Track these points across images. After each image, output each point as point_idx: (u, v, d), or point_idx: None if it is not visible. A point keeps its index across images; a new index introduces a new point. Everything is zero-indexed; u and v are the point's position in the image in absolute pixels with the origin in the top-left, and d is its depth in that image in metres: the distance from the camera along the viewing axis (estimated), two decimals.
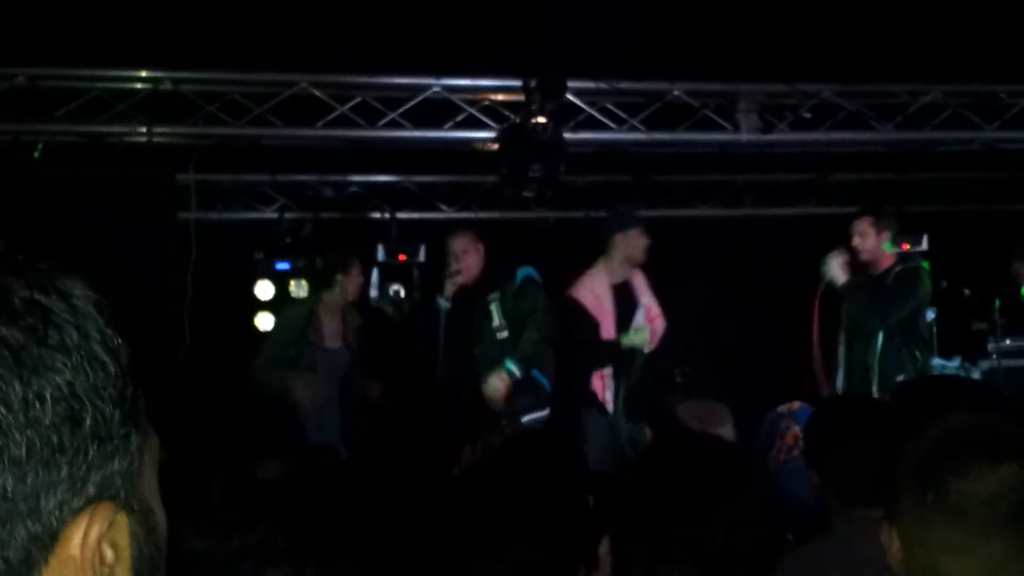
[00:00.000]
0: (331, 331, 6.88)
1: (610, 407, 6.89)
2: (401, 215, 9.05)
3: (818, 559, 2.80)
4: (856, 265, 6.80)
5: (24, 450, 0.76)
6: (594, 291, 7.05)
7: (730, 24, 6.40)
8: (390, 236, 8.74)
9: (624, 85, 7.34)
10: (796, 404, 5.33)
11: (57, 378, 0.78)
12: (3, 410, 0.76)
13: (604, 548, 1.96)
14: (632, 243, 7.06)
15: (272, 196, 9.14)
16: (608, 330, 7.00)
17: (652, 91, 7.41)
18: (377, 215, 9.11)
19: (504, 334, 6.60)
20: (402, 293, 8.63)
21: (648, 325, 7.08)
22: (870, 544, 2.10)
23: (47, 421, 0.77)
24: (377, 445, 6.56)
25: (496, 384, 6.39)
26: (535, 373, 6.63)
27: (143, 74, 6.87)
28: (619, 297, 7.08)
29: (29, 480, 0.77)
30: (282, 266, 8.59)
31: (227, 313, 8.18)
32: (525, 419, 6.45)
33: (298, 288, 8.41)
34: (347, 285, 6.89)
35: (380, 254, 8.60)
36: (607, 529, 1.99)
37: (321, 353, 6.80)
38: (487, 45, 6.64)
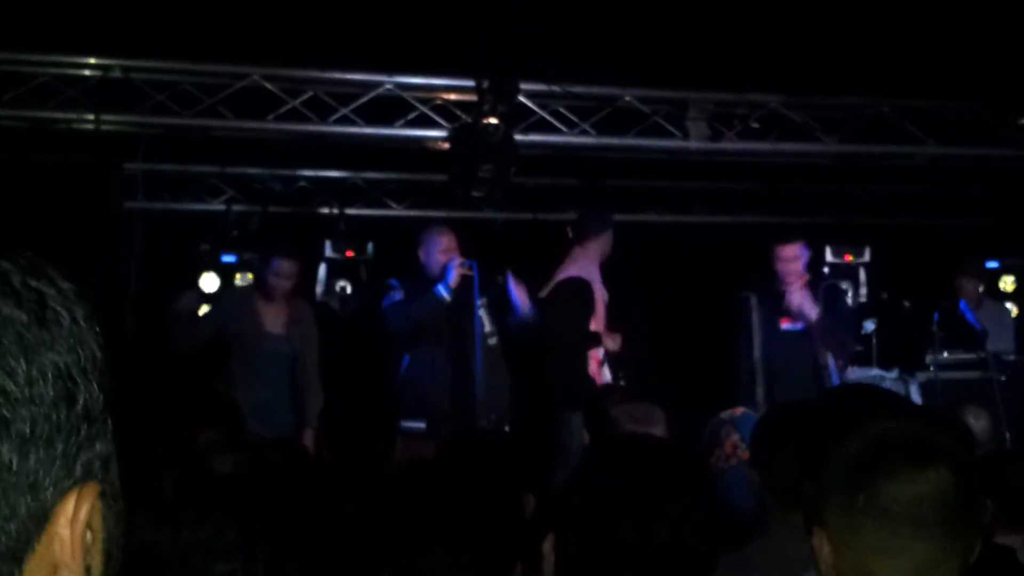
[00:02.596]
0: (271, 317, 6.84)
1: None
2: (350, 211, 9.03)
3: (752, 563, 2.85)
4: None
5: (28, 426, 0.78)
6: (591, 277, 7.29)
7: (682, 33, 6.46)
8: (338, 232, 8.72)
9: (576, 89, 7.37)
10: (739, 410, 5.37)
11: (56, 358, 0.81)
12: (11, 385, 0.78)
13: (548, 545, 1.99)
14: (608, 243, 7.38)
15: (220, 188, 9.08)
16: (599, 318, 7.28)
17: (604, 96, 7.45)
18: (325, 210, 9.09)
19: (494, 340, 6.80)
20: (348, 289, 8.61)
21: None
22: (807, 548, 2.14)
23: (49, 399, 0.80)
24: (329, 437, 6.57)
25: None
26: None
27: (92, 61, 6.78)
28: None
29: (31, 457, 0.79)
30: (228, 259, 8.52)
31: (171, 304, 8.11)
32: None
33: (243, 281, 8.35)
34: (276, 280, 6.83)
35: (328, 250, 8.58)
36: (552, 526, 2.02)
37: (260, 338, 6.76)
38: (441, 44, 6.64)
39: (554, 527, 2.03)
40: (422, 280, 6.70)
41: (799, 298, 7.11)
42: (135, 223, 7.09)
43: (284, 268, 6.78)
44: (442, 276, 6.62)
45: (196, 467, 1.63)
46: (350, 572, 2.36)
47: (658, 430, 4.42)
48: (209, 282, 8.39)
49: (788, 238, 7.33)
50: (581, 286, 7.22)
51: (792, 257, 7.15)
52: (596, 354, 7.20)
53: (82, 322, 0.85)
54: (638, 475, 2.01)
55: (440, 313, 6.62)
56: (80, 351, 0.83)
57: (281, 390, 6.73)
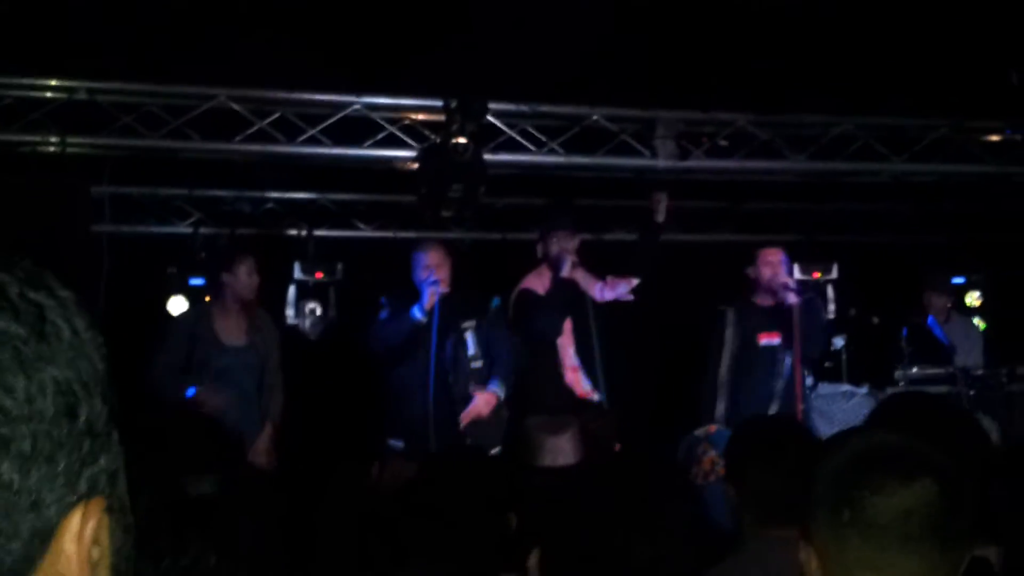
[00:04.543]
0: (229, 328, 6.71)
1: (595, 396, 7.01)
2: (318, 233, 9.00)
3: None
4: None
5: (29, 444, 0.77)
6: (541, 284, 7.16)
7: (650, 52, 6.49)
8: (307, 254, 8.69)
9: (544, 108, 7.38)
10: (713, 428, 5.39)
11: (56, 372, 0.79)
12: (11, 403, 0.76)
13: (533, 560, 1.98)
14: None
15: (187, 211, 9.03)
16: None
17: (572, 115, 7.46)
18: (294, 232, 9.05)
19: (479, 363, 6.72)
20: (318, 311, 8.57)
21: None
22: (783, 563, 2.13)
23: (49, 415, 0.78)
24: (298, 455, 6.52)
25: (482, 405, 6.62)
26: None
27: (56, 83, 6.72)
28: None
29: (33, 474, 0.77)
30: (196, 282, 8.46)
31: (138, 328, 8.03)
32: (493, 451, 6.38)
33: None
34: (235, 284, 6.76)
35: (296, 272, 8.53)
36: (537, 541, 2.00)
37: (217, 351, 6.63)
38: (409, 64, 6.64)
39: (539, 543, 2.02)
40: (409, 298, 6.63)
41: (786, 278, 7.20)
42: (102, 246, 7.01)
43: (250, 264, 6.72)
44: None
45: (171, 490, 1.60)
46: None
47: (566, 446, 4.34)
48: (177, 305, 8.32)
49: (770, 245, 7.47)
50: (516, 299, 7.19)
51: (777, 261, 7.24)
52: (569, 362, 7.12)
53: (83, 334, 0.83)
54: (621, 492, 2.01)
55: (416, 335, 6.55)
56: (81, 364, 0.82)
57: (249, 402, 6.64)
